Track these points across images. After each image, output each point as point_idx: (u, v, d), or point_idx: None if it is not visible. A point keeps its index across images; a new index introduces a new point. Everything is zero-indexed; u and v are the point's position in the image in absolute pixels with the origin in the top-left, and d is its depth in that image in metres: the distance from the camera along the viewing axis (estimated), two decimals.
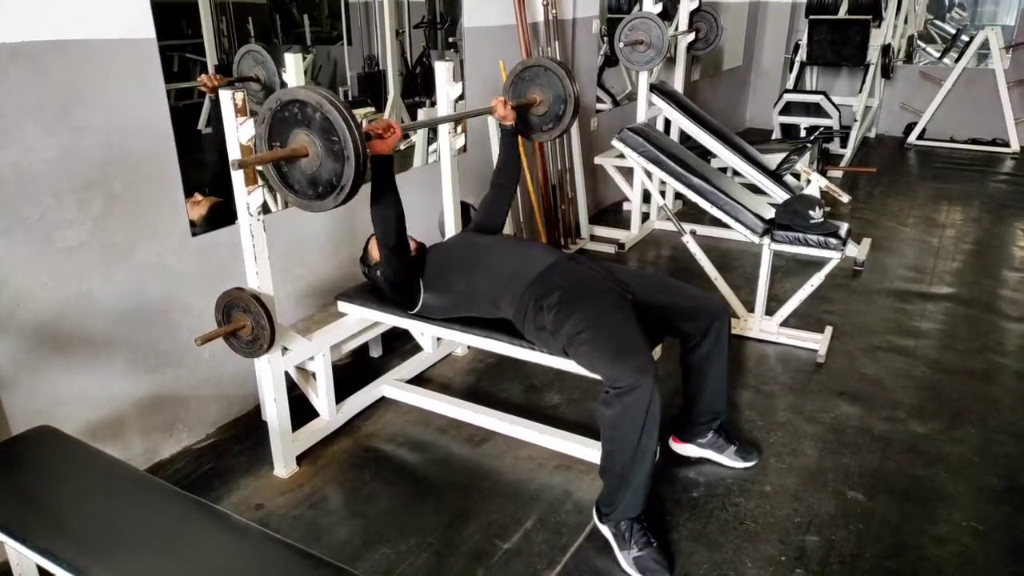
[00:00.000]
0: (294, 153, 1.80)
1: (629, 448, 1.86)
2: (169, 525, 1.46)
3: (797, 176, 4.12)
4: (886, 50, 6.62)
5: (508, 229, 3.76)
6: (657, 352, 2.14)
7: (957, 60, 6.75)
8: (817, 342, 3.07)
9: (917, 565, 1.94)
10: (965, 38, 6.81)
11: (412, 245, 2.25)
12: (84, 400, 2.14)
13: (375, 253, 2.39)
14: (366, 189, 1.89)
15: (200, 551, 1.39)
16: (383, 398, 2.71)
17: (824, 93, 6.26)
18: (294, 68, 2.48)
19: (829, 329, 3.19)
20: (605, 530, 1.99)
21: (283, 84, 2.51)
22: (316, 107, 1.73)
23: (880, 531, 2.07)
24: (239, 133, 1.88)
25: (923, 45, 7.44)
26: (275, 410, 2.23)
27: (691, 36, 4.77)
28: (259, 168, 1.92)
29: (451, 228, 2.82)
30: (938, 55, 7.37)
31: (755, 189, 3.79)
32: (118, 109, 2.05)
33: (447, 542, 2.03)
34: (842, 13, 6.66)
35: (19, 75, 1.82)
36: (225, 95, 1.85)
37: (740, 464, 2.32)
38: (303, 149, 1.79)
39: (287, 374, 2.30)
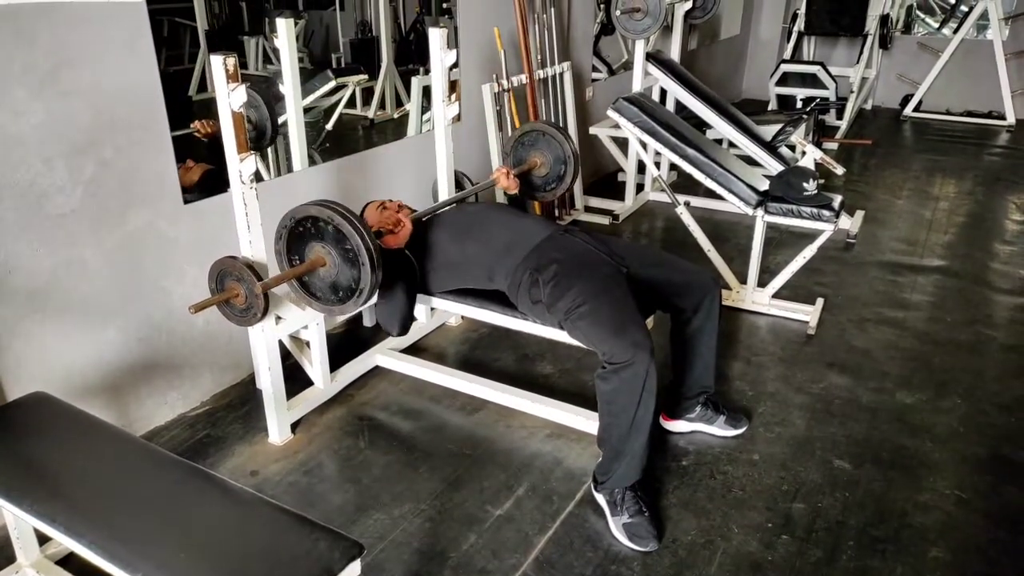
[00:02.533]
0: (312, 266, 1.93)
1: (625, 421, 1.89)
2: (165, 490, 1.48)
3: (792, 148, 4.11)
4: (884, 20, 6.56)
5: (501, 199, 3.75)
6: (649, 325, 2.15)
7: (956, 31, 6.70)
8: (808, 314, 3.09)
9: (901, 532, 1.99)
10: (964, 8, 6.75)
11: (407, 221, 2.24)
12: (78, 367, 2.14)
13: (371, 221, 2.39)
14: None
15: (196, 515, 1.41)
16: (377, 367, 2.72)
17: (821, 64, 6.21)
18: (286, 33, 2.45)
19: (820, 301, 3.21)
20: (600, 498, 2.02)
21: (275, 127, 2.53)
22: (328, 221, 1.84)
23: (865, 499, 2.11)
24: (230, 100, 1.86)
25: (922, 15, 7.38)
26: (269, 378, 2.24)
27: (688, 4, 4.71)
28: (255, 139, 1.93)
29: (444, 197, 2.81)
30: (937, 25, 7.30)
31: (750, 160, 3.79)
32: (107, 73, 2.02)
33: (440, 508, 2.06)
34: None
35: (4, 38, 1.79)
36: (216, 59, 1.83)
37: (731, 432, 2.35)
38: (321, 260, 1.92)
39: (281, 343, 2.30)
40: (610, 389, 1.89)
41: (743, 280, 3.19)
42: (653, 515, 1.97)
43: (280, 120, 2.63)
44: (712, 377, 2.33)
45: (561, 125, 2.92)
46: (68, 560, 1.83)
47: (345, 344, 2.84)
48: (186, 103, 2.33)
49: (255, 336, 2.22)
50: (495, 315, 2.26)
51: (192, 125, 2.32)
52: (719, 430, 2.35)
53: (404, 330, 2.31)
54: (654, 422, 1.93)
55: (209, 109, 2.16)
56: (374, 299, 2.23)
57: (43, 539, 1.82)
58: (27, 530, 1.78)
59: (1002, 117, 6.66)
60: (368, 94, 3.20)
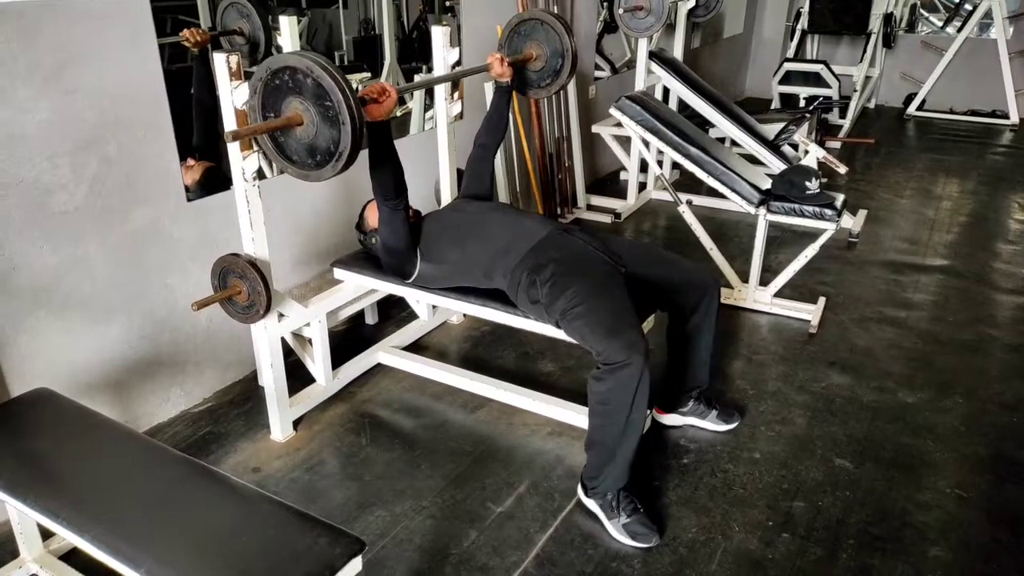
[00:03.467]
0: (289, 122, 1.75)
1: (619, 421, 1.89)
2: (167, 486, 1.48)
3: (795, 146, 4.11)
4: (888, 19, 6.54)
5: (504, 198, 3.76)
6: (648, 324, 2.16)
7: (959, 29, 6.68)
8: (810, 313, 3.09)
9: (901, 531, 1.99)
10: (968, 7, 6.73)
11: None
12: (81, 364, 2.15)
13: (371, 220, 2.39)
14: (363, 155, 1.88)
15: (198, 511, 1.42)
16: (379, 365, 2.73)
17: (824, 62, 6.20)
18: (289, 31, 2.45)
19: (822, 300, 3.21)
20: (591, 504, 2.02)
21: (268, 38, 2.44)
22: (307, 72, 1.67)
23: (866, 498, 2.11)
24: (234, 97, 1.87)
25: (926, 13, 7.36)
26: (271, 375, 2.25)
27: (691, 2, 4.70)
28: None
29: (447, 195, 2.82)
30: (940, 24, 7.28)
31: (753, 159, 3.79)
32: (111, 71, 2.03)
33: (441, 505, 2.06)
34: None
35: (9, 36, 1.80)
36: (219, 58, 1.83)
37: (722, 427, 2.36)
38: (298, 117, 1.74)
39: (283, 340, 2.31)
40: (604, 389, 1.89)
41: (745, 279, 3.19)
42: (649, 511, 1.97)
43: (275, 40, 2.53)
44: (707, 374, 2.33)
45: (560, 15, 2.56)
46: (71, 555, 1.85)
47: (347, 341, 2.84)
48: (189, 100, 2.33)
49: (257, 333, 2.23)
50: (497, 313, 2.26)
51: (181, 34, 2.24)
52: (711, 424, 2.36)
53: (400, 192, 2.15)
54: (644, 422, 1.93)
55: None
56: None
57: (46, 534, 1.83)
58: (31, 525, 1.79)
59: (1006, 116, 6.64)
60: None
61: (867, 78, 6.53)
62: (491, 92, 3.54)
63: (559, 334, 2.13)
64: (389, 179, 2.10)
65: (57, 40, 1.90)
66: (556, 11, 3.94)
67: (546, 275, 2.04)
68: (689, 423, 2.38)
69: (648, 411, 1.94)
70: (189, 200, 2.33)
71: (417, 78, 3.30)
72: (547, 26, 2.54)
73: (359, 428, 2.40)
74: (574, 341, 2.05)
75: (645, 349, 1.85)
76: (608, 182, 4.94)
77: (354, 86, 1.71)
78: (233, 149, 1.93)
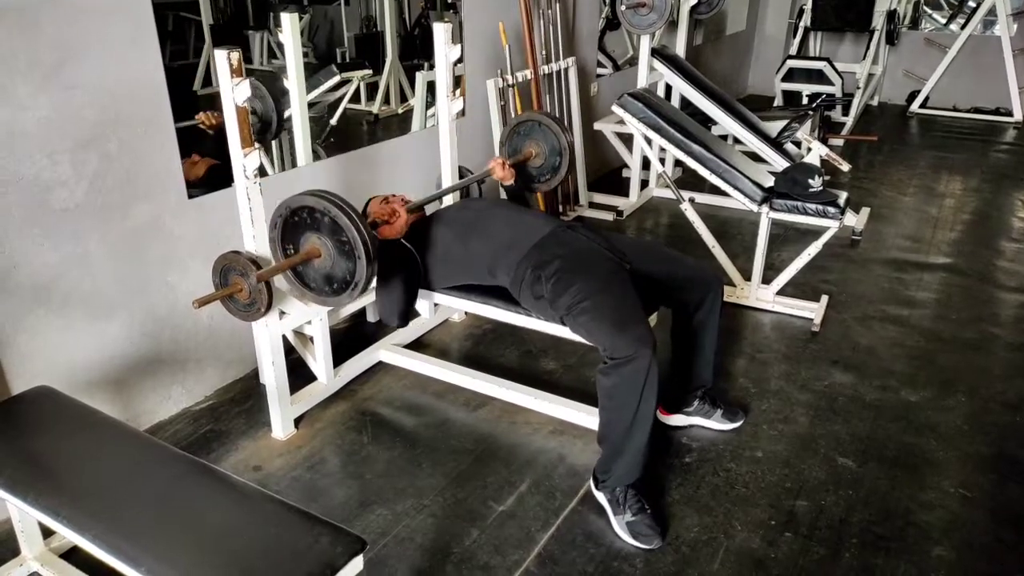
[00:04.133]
0: (307, 256, 1.90)
1: (627, 417, 1.88)
2: (168, 485, 1.48)
3: (798, 144, 4.10)
4: (891, 15, 6.52)
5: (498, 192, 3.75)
6: (652, 320, 2.15)
7: (963, 26, 6.65)
8: (812, 311, 3.08)
9: (904, 531, 1.98)
10: (972, 3, 6.70)
11: (402, 211, 2.23)
12: (82, 361, 2.15)
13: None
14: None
15: (199, 510, 1.41)
16: (380, 363, 2.72)
17: (827, 59, 6.18)
18: (290, 28, 2.44)
19: (825, 298, 3.20)
20: (601, 496, 2.02)
21: (280, 120, 2.54)
22: (324, 212, 1.81)
23: (869, 497, 2.10)
24: (234, 95, 1.86)
25: (929, 10, 7.33)
26: (272, 373, 2.24)
27: None
28: (260, 134, 1.92)
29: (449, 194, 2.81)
30: (944, 21, 7.26)
31: (755, 157, 3.77)
32: (112, 68, 2.02)
33: (443, 504, 2.06)
34: None
35: (9, 32, 1.79)
36: (220, 54, 1.82)
37: (728, 426, 2.35)
38: (316, 251, 1.89)
39: (284, 338, 2.31)
40: (611, 384, 1.89)
41: (747, 277, 3.18)
42: (655, 512, 1.97)
43: (285, 115, 2.63)
44: (711, 373, 2.32)
45: (559, 116, 2.90)
46: (72, 553, 1.84)
47: (349, 339, 2.84)
48: (191, 97, 2.33)
49: (259, 331, 2.22)
50: (499, 311, 2.26)
51: (196, 117, 2.31)
52: (716, 424, 2.35)
53: (404, 322, 2.31)
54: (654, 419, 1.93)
55: (214, 103, 2.16)
56: (373, 291, 2.22)
57: (47, 532, 1.83)
58: (31, 523, 1.78)
59: (1009, 113, 6.61)
60: (372, 89, 3.19)
61: (870, 75, 6.50)
62: (494, 89, 3.54)
63: (561, 331, 2.12)
64: (397, 304, 2.22)
65: (57, 36, 1.89)
66: (559, 8, 3.93)
67: (551, 271, 2.03)
68: (694, 423, 2.37)
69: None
70: (190, 197, 2.32)
71: (419, 76, 3.29)
72: (544, 126, 2.70)
73: (360, 426, 2.40)
74: (579, 338, 2.04)
75: (652, 343, 1.85)
76: (610, 180, 4.92)
77: (367, 218, 1.88)
78: (234, 145, 1.92)
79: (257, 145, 1.95)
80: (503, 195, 2.64)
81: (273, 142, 2.63)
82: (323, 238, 1.87)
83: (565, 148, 2.68)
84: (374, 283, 2.04)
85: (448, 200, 2.74)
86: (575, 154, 2.73)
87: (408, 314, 2.29)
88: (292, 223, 1.91)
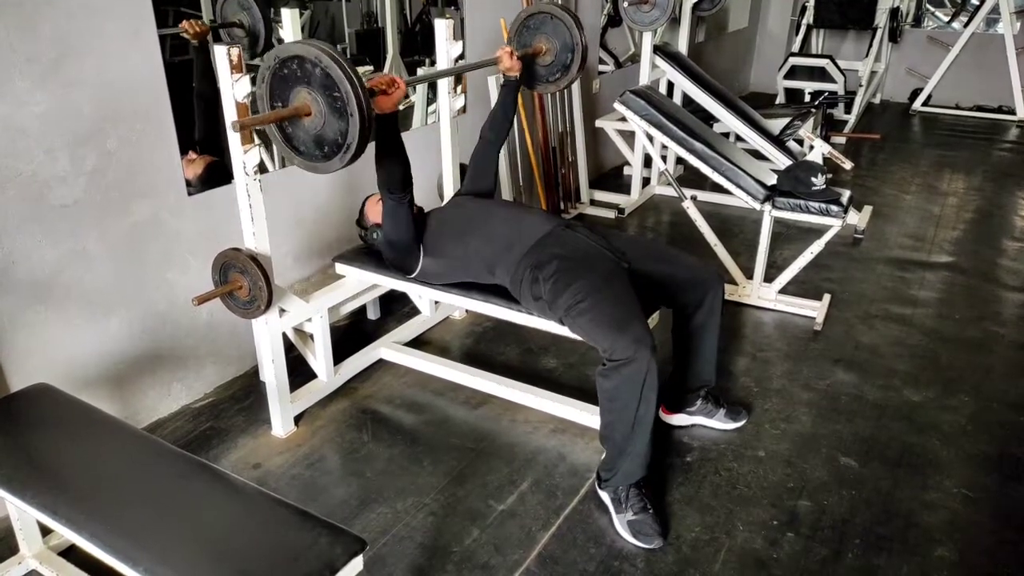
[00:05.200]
0: (296, 112, 1.73)
1: (627, 418, 1.87)
2: (167, 483, 1.47)
3: (800, 142, 4.08)
4: (894, 13, 6.50)
5: (507, 193, 3.74)
6: (653, 320, 2.14)
7: (966, 24, 6.63)
8: (815, 309, 3.07)
9: (907, 531, 1.97)
10: (975, 1, 6.68)
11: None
12: (81, 359, 2.14)
13: (372, 215, 2.38)
14: (369, 148, 1.86)
15: (198, 509, 1.40)
16: (381, 360, 2.71)
17: (830, 57, 6.16)
18: (291, 24, 2.43)
19: (827, 297, 3.19)
20: (604, 495, 2.01)
21: (268, 31, 2.42)
22: (315, 62, 1.66)
23: (872, 497, 2.09)
24: (235, 90, 1.85)
25: (932, 8, 7.30)
26: (273, 371, 2.23)
27: None
28: (261, 128, 1.88)
29: (450, 190, 2.80)
30: (947, 19, 7.23)
31: (758, 155, 3.76)
32: (111, 63, 2.01)
33: (443, 503, 2.05)
34: None
35: (8, 28, 1.78)
36: (220, 50, 1.81)
37: (731, 425, 2.34)
38: (305, 108, 1.72)
39: (285, 335, 2.30)
40: (611, 386, 1.88)
41: (750, 275, 3.17)
42: (657, 512, 1.96)
43: (275, 32, 2.50)
44: (713, 372, 2.31)
45: (570, 8, 2.59)
46: (71, 551, 1.83)
47: (349, 337, 2.83)
48: (190, 94, 2.31)
49: (259, 328, 2.21)
50: (500, 309, 2.25)
51: (180, 25, 2.21)
52: (719, 423, 2.34)
53: (405, 189, 2.14)
54: (655, 419, 1.92)
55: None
56: (360, 154, 1.97)
57: (46, 530, 1.82)
58: (30, 521, 1.78)
59: (1012, 112, 6.59)
60: None
61: (873, 73, 6.48)
62: (495, 86, 3.52)
63: (561, 330, 2.11)
64: (396, 171, 2.08)
65: (56, 32, 1.88)
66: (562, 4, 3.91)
67: (549, 271, 2.02)
68: (696, 423, 2.36)
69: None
70: (190, 194, 2.31)
71: (421, 71, 3.28)
72: (557, 19, 2.52)
73: (360, 424, 2.39)
74: (578, 338, 2.03)
75: (652, 344, 1.84)
76: (612, 177, 4.91)
77: (363, 77, 1.69)
78: (234, 142, 1.91)
79: (257, 142, 1.94)
80: (502, 84, 2.49)
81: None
82: (314, 93, 1.70)
83: (578, 43, 2.50)
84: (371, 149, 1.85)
85: (444, 96, 2.64)
86: (587, 56, 2.54)
87: (408, 180, 2.14)
88: (281, 76, 1.73)
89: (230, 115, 1.88)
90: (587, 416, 2.30)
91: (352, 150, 1.70)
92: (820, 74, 6.14)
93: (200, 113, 2.31)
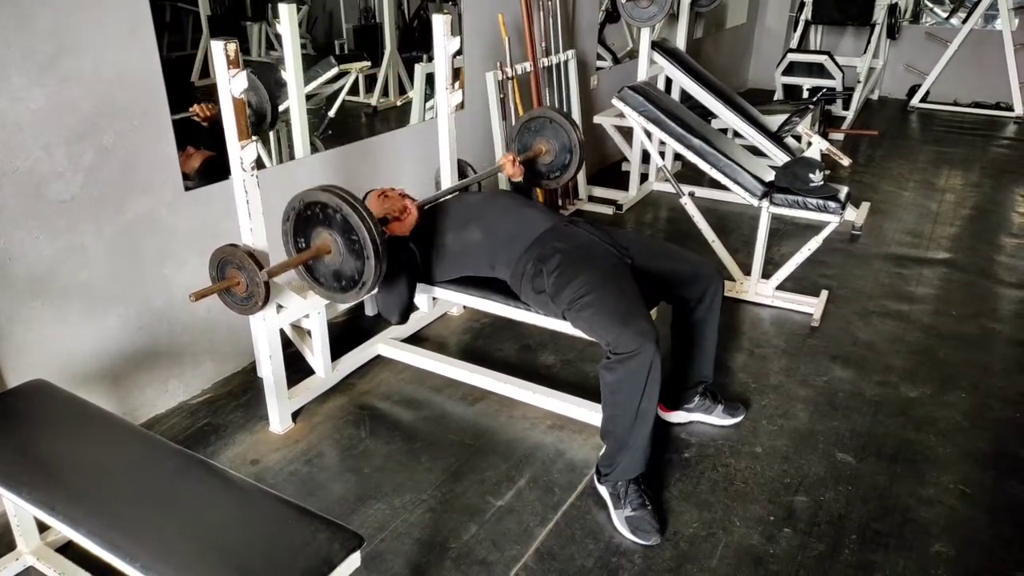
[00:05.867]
0: (318, 253, 1.91)
1: (630, 412, 1.88)
2: (164, 479, 1.47)
3: (798, 138, 4.08)
4: (893, 9, 6.50)
5: (505, 186, 3.73)
6: (653, 315, 2.14)
7: (964, 21, 6.63)
8: (812, 306, 3.07)
9: (904, 527, 1.98)
10: None
11: (413, 208, 2.22)
12: (78, 355, 2.13)
13: (372, 210, 2.37)
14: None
15: (195, 505, 1.40)
16: (378, 356, 2.71)
17: (828, 53, 6.16)
18: (288, 20, 2.42)
19: (824, 293, 3.19)
20: (603, 490, 2.02)
21: (275, 110, 2.51)
22: (337, 209, 1.82)
23: (868, 493, 2.09)
24: (231, 86, 1.84)
25: (930, 4, 7.30)
26: (270, 367, 2.23)
27: None
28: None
29: (448, 185, 2.79)
30: (945, 15, 7.23)
31: (755, 151, 3.76)
32: (108, 59, 2.00)
33: (441, 499, 2.05)
34: None
35: (4, 23, 1.77)
36: (217, 45, 1.80)
37: (728, 421, 2.34)
38: (326, 247, 1.90)
39: (282, 331, 2.29)
40: (614, 379, 1.88)
41: (747, 271, 3.17)
42: (656, 508, 1.96)
43: (282, 107, 2.61)
44: (712, 368, 2.32)
45: (567, 112, 2.91)
46: (69, 547, 1.83)
47: (346, 333, 2.83)
48: (188, 89, 2.31)
49: (256, 324, 2.21)
50: (498, 305, 2.25)
51: (191, 109, 2.29)
52: (717, 419, 2.34)
53: (404, 319, 2.31)
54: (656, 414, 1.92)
55: (211, 95, 2.14)
56: (375, 289, 2.21)
57: (43, 526, 1.82)
58: (27, 518, 1.77)
59: (1010, 108, 6.60)
60: (371, 81, 3.17)
61: (871, 69, 6.48)
62: (493, 82, 3.52)
63: (559, 326, 2.11)
64: (399, 303, 2.23)
65: (52, 27, 1.87)
66: (558, 0, 3.90)
67: (552, 265, 2.02)
68: (695, 419, 2.36)
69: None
70: (187, 189, 2.31)
71: (418, 68, 3.27)
72: (555, 124, 2.70)
73: (358, 420, 2.39)
74: (579, 333, 2.03)
75: (656, 337, 1.84)
76: (610, 173, 4.91)
77: (376, 217, 1.84)
78: (231, 137, 1.91)
79: (254, 137, 1.94)
80: (503, 185, 2.63)
81: (270, 133, 2.61)
82: (334, 234, 1.88)
83: (575, 145, 2.67)
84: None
85: (441, 92, 2.68)
86: (584, 158, 2.72)
87: (409, 311, 2.30)
88: (304, 217, 1.91)
89: (226, 111, 1.88)
90: (585, 412, 2.30)
91: (367, 287, 1.88)
92: (818, 70, 6.14)
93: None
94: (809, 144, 3.11)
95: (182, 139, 2.24)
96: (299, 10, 2.65)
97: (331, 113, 2.96)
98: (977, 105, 6.80)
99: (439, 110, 2.70)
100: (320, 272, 1.98)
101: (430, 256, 2.26)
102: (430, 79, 3.01)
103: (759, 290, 3.15)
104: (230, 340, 2.58)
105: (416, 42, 3.29)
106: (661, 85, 4.42)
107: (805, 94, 6.22)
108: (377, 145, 3.03)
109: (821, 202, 2.83)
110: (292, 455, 2.22)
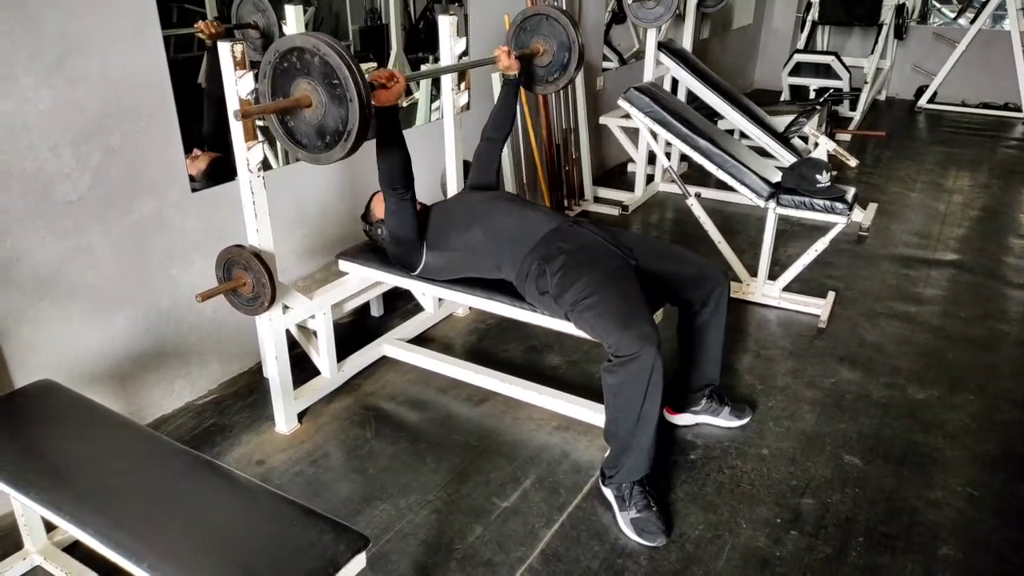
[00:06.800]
0: (296, 103, 1.76)
1: (632, 414, 1.87)
2: (171, 480, 1.47)
3: (805, 139, 4.07)
4: (900, 9, 6.48)
5: (511, 189, 3.73)
6: (658, 317, 2.13)
7: (972, 21, 6.60)
8: (819, 307, 3.06)
9: (911, 529, 1.97)
10: None
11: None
12: (85, 355, 2.14)
13: (378, 210, 2.37)
14: (370, 141, 1.85)
15: (201, 505, 1.41)
16: (384, 357, 2.71)
17: (835, 54, 6.14)
18: (295, 20, 2.43)
19: (832, 294, 3.18)
20: (608, 492, 2.01)
21: (283, 33, 2.45)
22: (314, 52, 1.69)
23: (875, 495, 2.08)
24: (238, 87, 1.85)
25: (938, 5, 7.27)
26: (276, 368, 2.23)
27: None
28: (263, 123, 1.88)
29: (453, 187, 2.80)
30: (953, 15, 7.20)
31: (762, 152, 3.75)
32: (115, 61, 2.01)
33: (446, 500, 2.05)
34: None
35: (11, 25, 1.78)
36: (223, 47, 1.81)
37: (735, 423, 2.34)
38: (306, 98, 1.76)
39: (288, 332, 2.30)
40: (616, 382, 1.88)
41: (754, 273, 3.16)
42: (661, 510, 1.95)
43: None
44: (718, 370, 2.31)
45: (567, 10, 2.56)
46: (76, 547, 1.84)
47: (352, 334, 2.83)
48: (194, 90, 2.31)
49: (262, 325, 2.21)
50: (503, 306, 2.24)
51: (195, 25, 2.23)
52: (724, 421, 2.33)
53: (406, 184, 2.15)
54: (660, 416, 1.91)
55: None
56: (362, 142, 1.98)
57: (50, 526, 1.83)
58: (34, 517, 1.78)
59: (1018, 109, 6.56)
60: None
61: (878, 70, 6.46)
62: (498, 84, 3.52)
63: (565, 327, 2.11)
64: (397, 167, 2.09)
65: (60, 28, 1.88)
66: (564, 2, 3.90)
67: (556, 265, 2.02)
68: (702, 421, 2.35)
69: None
70: (194, 191, 2.31)
71: (425, 68, 3.27)
72: (552, 20, 2.53)
73: (364, 421, 2.39)
74: (583, 333, 2.02)
75: (657, 340, 1.83)
76: (615, 174, 4.90)
77: (363, 71, 1.70)
78: (238, 138, 1.91)
79: (261, 139, 1.94)
80: (502, 84, 2.51)
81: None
82: (314, 83, 1.74)
83: (574, 42, 2.51)
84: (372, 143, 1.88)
85: (447, 93, 2.65)
86: (584, 55, 2.55)
87: (409, 172, 2.15)
88: (282, 70, 1.77)
89: (234, 107, 1.88)
90: (590, 413, 2.30)
91: (353, 137, 1.71)
92: (825, 71, 6.12)
93: (210, 111, 2.32)
94: (816, 145, 3.10)
95: (189, 141, 2.24)
96: (305, 11, 2.65)
97: None
98: (985, 106, 6.77)
99: (445, 111, 2.70)
100: (301, 131, 1.83)
101: (434, 257, 2.26)
102: (436, 80, 3.01)
103: (766, 291, 3.14)
104: (236, 340, 2.58)
105: (422, 43, 3.29)
106: (667, 86, 4.41)
107: (812, 95, 6.20)
108: None
109: (828, 203, 2.82)
110: (298, 456, 2.23)
